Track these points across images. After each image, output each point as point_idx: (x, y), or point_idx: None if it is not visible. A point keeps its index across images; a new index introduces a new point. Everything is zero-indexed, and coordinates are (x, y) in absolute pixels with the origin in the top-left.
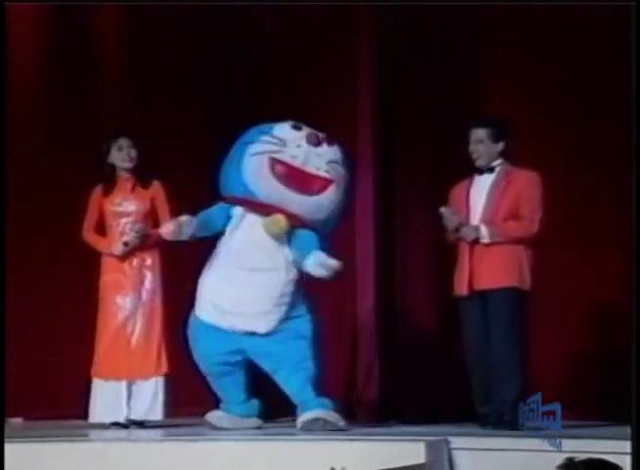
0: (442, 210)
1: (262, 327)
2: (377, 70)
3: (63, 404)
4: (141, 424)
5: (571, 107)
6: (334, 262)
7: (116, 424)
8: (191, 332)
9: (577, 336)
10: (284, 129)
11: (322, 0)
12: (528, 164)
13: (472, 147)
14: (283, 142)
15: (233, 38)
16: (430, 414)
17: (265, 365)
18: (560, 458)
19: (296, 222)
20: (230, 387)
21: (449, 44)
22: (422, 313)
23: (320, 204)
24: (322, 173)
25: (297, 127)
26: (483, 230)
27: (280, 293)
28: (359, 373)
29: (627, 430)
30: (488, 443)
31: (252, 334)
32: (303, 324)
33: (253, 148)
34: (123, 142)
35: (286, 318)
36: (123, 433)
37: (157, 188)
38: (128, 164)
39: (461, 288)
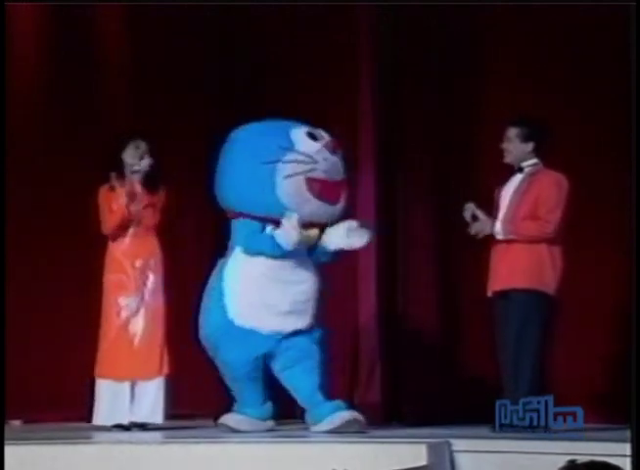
0: (466, 206)
1: (301, 324)
2: (377, 70)
3: (65, 406)
4: (143, 426)
5: (572, 107)
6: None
7: (119, 426)
8: (220, 338)
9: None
10: (304, 142)
11: (322, 0)
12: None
13: (503, 145)
14: (312, 159)
15: (233, 38)
16: (431, 416)
17: (279, 362)
18: (561, 461)
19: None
20: (252, 390)
21: (449, 44)
22: (424, 316)
23: (341, 208)
24: (340, 179)
25: (313, 137)
26: (497, 225)
27: (309, 296)
28: (361, 375)
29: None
30: (490, 445)
31: (293, 333)
32: (317, 332)
33: (285, 169)
34: (142, 144)
35: (312, 320)
36: (125, 435)
37: (161, 195)
38: (138, 167)
39: (487, 289)
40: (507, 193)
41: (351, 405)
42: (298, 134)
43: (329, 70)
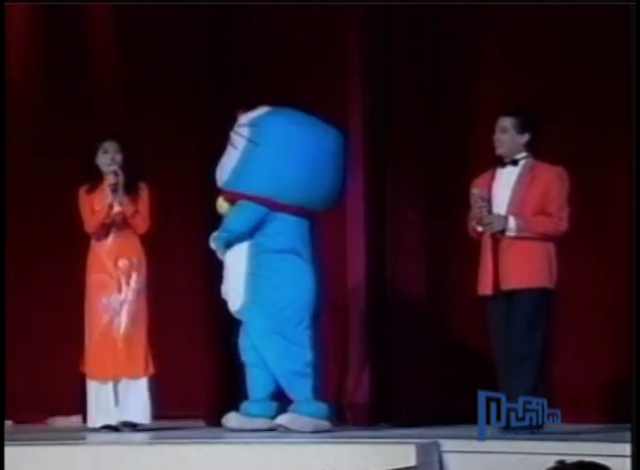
0: (475, 191)
1: (235, 304)
2: (367, 70)
3: (53, 407)
4: (133, 426)
5: (572, 107)
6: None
7: (108, 427)
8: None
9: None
10: None
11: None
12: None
13: (496, 136)
14: None
15: (225, 40)
16: (420, 417)
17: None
18: (551, 461)
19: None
20: (253, 380)
21: (448, 43)
22: (413, 316)
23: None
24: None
25: None
26: (512, 222)
27: (244, 267)
28: (350, 376)
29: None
30: (479, 445)
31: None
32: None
33: None
34: (109, 146)
35: (256, 297)
36: (114, 436)
37: (142, 191)
38: (112, 168)
39: (485, 287)
40: (502, 187)
41: (340, 406)
42: None
43: (319, 69)
